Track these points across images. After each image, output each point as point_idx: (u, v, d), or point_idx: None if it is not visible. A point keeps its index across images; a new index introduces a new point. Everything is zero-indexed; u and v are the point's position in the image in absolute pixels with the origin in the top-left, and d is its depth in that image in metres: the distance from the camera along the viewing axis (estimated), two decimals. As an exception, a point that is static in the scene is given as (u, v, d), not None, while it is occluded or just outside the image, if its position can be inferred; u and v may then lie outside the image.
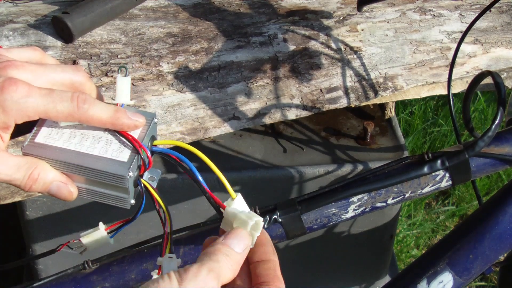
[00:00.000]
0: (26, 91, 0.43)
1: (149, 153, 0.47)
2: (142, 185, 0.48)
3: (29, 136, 0.47)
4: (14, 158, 0.45)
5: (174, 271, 0.41)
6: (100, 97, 0.50)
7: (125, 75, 0.49)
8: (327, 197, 0.70)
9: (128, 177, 0.45)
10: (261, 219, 0.46)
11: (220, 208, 0.48)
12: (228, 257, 0.43)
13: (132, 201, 0.48)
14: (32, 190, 0.46)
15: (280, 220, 0.69)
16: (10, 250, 1.45)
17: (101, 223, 0.53)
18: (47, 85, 0.46)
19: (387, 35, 1.04)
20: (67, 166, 0.46)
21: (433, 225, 1.84)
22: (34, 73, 0.45)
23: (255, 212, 0.69)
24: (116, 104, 0.48)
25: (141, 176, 0.48)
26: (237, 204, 0.48)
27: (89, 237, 0.54)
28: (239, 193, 0.49)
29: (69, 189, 0.47)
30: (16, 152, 0.76)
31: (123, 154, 0.46)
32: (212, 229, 0.70)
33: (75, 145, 0.46)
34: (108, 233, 0.54)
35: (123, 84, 0.49)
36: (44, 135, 0.47)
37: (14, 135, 0.46)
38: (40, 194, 0.84)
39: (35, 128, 0.47)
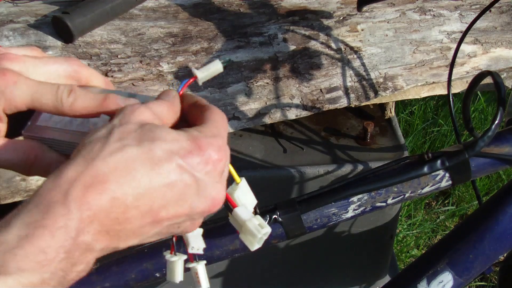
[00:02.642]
0: (13, 81, 0.43)
1: None
2: None
3: (30, 120, 0.47)
4: (12, 141, 0.45)
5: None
6: (101, 80, 0.49)
7: None
8: (327, 197, 0.70)
9: None
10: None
11: (230, 206, 0.48)
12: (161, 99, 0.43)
13: None
14: (31, 173, 0.45)
15: (280, 220, 0.69)
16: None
17: (217, 60, 0.49)
18: (42, 78, 0.45)
19: (387, 35, 1.04)
20: (68, 145, 0.45)
21: (433, 225, 1.83)
22: (28, 65, 0.45)
23: (255, 212, 0.69)
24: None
25: None
26: (241, 189, 0.48)
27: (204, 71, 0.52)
28: (243, 178, 0.48)
29: None
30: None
31: None
32: (214, 228, 0.70)
33: (76, 126, 0.46)
34: None
35: None
36: (45, 119, 0.47)
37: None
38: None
39: (35, 112, 0.47)
